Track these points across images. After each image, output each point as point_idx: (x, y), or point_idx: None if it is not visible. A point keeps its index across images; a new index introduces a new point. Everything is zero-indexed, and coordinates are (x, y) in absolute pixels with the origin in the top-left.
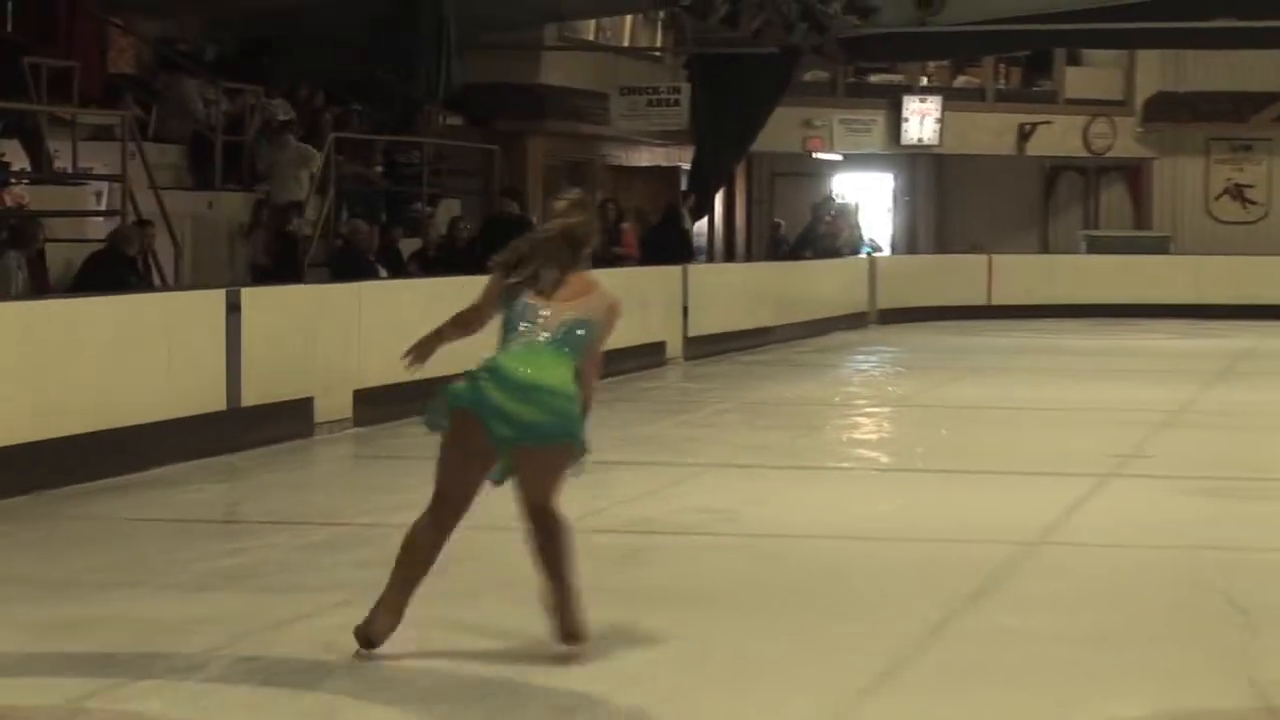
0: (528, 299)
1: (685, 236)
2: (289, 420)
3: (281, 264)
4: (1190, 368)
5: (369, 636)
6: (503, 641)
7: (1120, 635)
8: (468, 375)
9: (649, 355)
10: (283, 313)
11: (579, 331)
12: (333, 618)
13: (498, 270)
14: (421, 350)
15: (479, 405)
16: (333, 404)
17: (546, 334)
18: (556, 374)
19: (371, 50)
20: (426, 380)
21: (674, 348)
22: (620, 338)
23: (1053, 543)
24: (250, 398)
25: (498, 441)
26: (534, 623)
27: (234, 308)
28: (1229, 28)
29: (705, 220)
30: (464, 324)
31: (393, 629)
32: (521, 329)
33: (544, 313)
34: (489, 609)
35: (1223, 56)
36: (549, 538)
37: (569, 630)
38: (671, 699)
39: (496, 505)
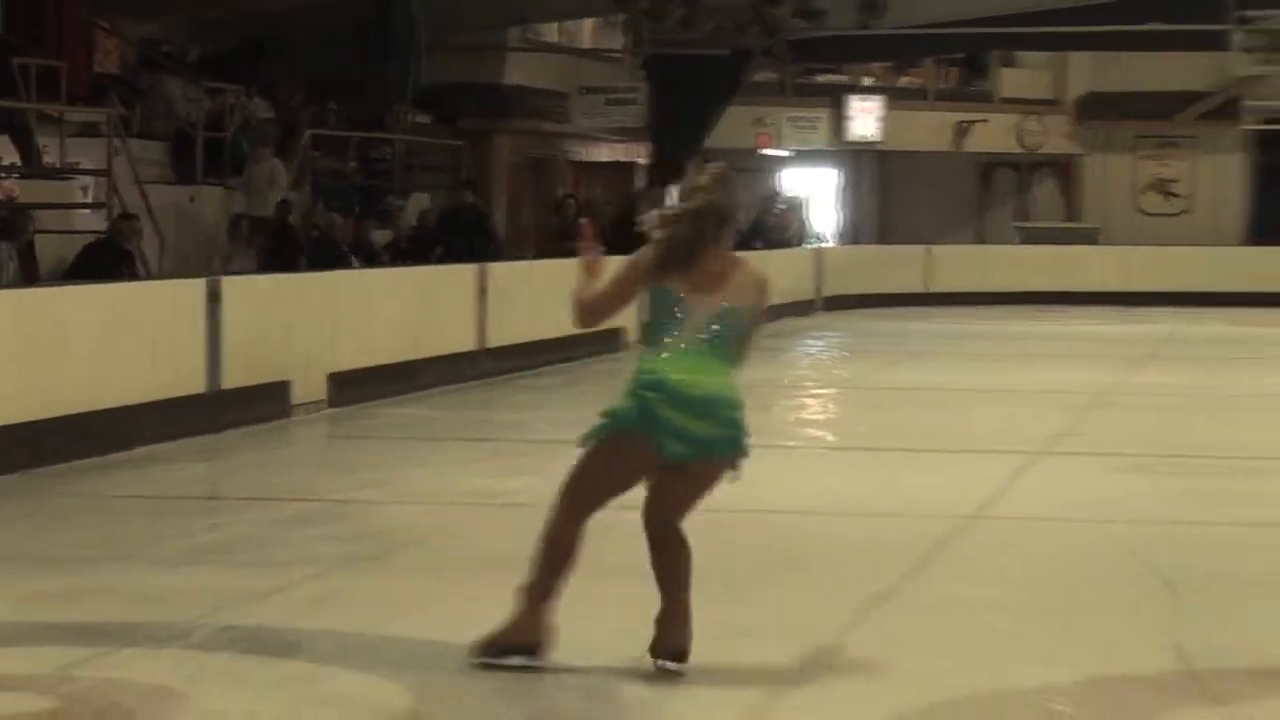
0: (674, 288)
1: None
2: (267, 402)
3: (280, 256)
4: (1118, 352)
5: (527, 645)
6: (464, 609)
7: (1053, 606)
8: (630, 394)
9: (608, 341)
10: (261, 301)
11: (730, 321)
12: (309, 590)
13: (646, 257)
14: (595, 261)
15: (653, 426)
16: (309, 387)
17: (698, 332)
18: (720, 380)
19: (347, 52)
20: (399, 364)
21: (632, 333)
22: None
23: (990, 517)
24: (230, 381)
25: (670, 459)
26: (494, 590)
27: (215, 296)
28: (1155, 31)
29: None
30: (596, 311)
31: (549, 631)
32: (672, 327)
33: (692, 305)
34: (446, 579)
35: (1149, 58)
36: (670, 553)
37: (671, 648)
38: (625, 669)
39: (462, 482)
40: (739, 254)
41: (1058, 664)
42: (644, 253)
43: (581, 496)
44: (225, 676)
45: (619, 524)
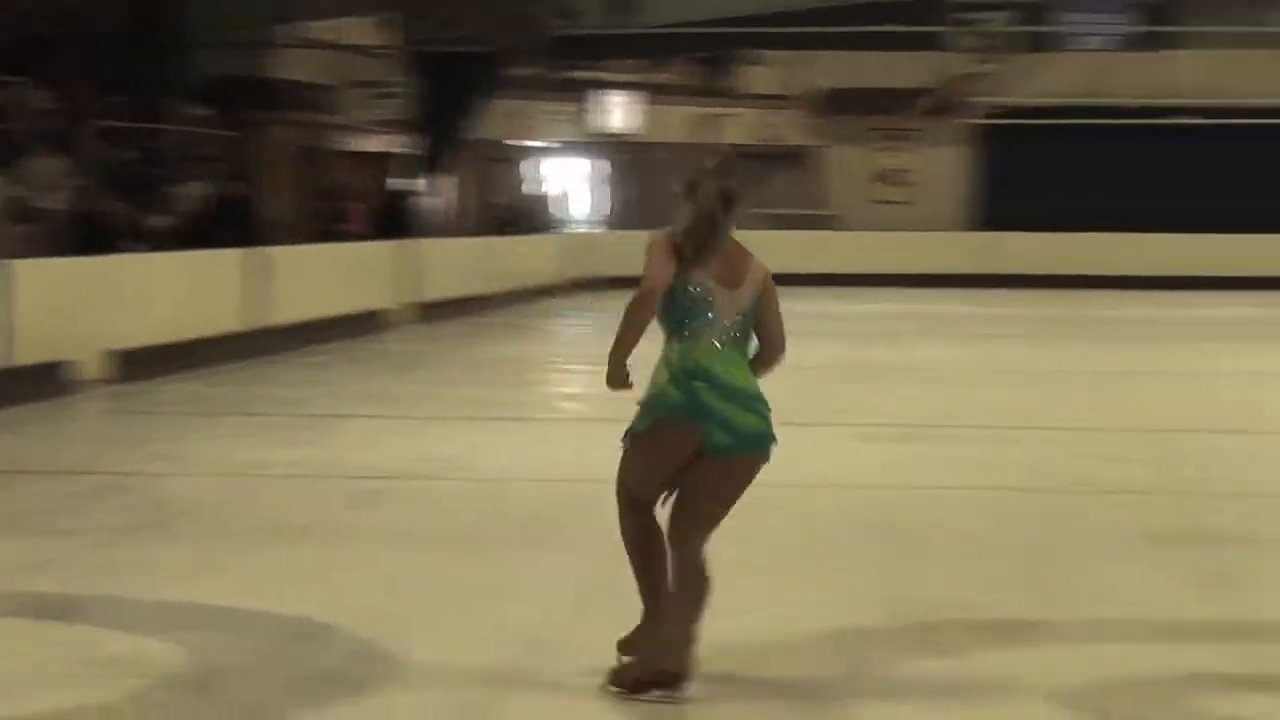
0: (699, 280)
1: (408, 214)
2: (54, 379)
3: (76, 242)
4: (860, 329)
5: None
6: (244, 575)
7: (790, 565)
8: (674, 382)
9: (373, 321)
10: (50, 282)
11: (747, 315)
12: (92, 558)
13: (671, 249)
14: (620, 377)
15: (700, 415)
16: (94, 364)
17: (724, 326)
18: (748, 374)
19: (126, 47)
20: (180, 343)
21: (402, 313)
22: (351, 303)
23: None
24: (20, 358)
25: (714, 450)
26: (272, 556)
27: (4, 277)
28: (886, 32)
29: (433, 199)
30: (642, 322)
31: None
32: (695, 320)
33: (718, 299)
34: (226, 547)
35: (882, 57)
36: (681, 573)
37: (624, 671)
38: (388, 628)
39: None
40: (743, 243)
41: (795, 620)
42: (661, 240)
43: (633, 495)
44: (6, 640)
45: (385, 490)
